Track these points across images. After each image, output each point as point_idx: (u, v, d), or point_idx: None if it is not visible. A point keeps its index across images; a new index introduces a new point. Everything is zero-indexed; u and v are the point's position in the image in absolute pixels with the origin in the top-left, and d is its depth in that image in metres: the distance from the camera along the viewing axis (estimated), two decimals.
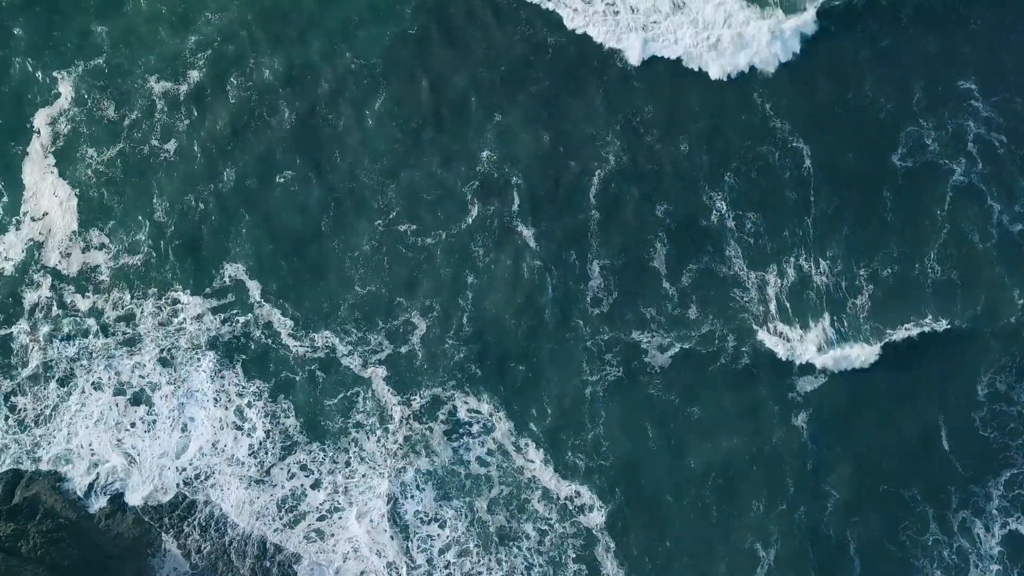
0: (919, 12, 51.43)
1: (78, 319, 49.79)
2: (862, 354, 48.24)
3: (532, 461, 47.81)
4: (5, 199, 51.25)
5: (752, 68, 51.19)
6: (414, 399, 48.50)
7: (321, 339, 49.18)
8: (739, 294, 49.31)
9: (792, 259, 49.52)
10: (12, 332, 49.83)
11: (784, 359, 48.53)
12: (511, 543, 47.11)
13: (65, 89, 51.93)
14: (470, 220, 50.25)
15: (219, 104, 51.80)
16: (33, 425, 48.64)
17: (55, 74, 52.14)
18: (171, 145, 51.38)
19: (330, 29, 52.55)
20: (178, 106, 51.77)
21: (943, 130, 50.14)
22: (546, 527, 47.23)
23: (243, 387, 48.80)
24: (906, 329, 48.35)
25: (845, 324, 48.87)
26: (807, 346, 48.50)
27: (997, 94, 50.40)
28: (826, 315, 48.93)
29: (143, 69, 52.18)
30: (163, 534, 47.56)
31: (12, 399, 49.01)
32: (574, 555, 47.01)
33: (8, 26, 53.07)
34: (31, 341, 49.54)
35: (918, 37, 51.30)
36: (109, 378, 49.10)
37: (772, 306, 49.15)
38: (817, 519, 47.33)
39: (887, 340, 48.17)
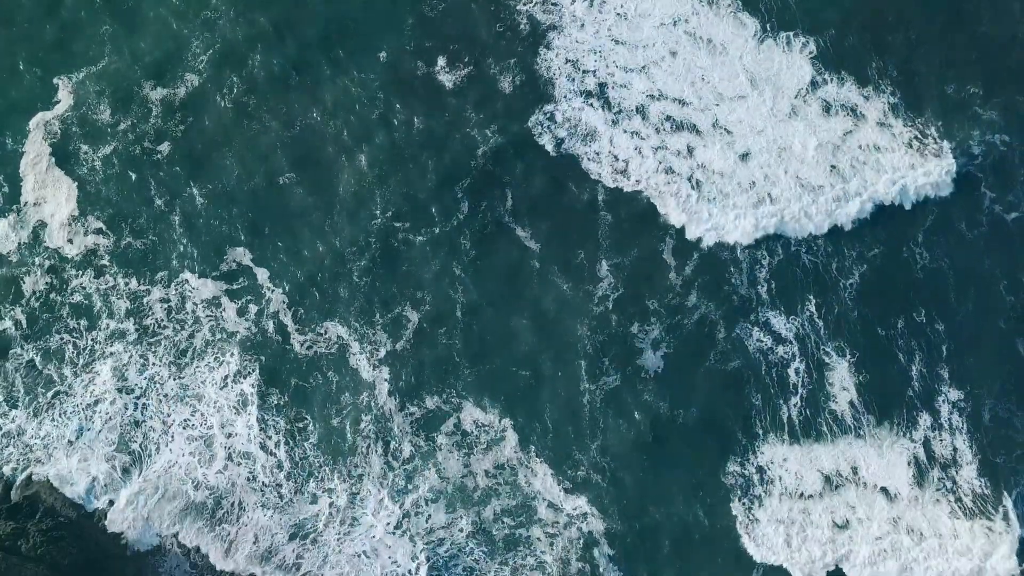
0: None
1: (84, 310, 49.90)
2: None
3: (534, 471, 47.91)
4: (5, 189, 51.35)
5: None
6: (419, 410, 48.61)
7: (325, 341, 49.34)
8: (733, 276, 49.63)
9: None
10: (13, 325, 49.85)
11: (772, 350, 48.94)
12: (516, 548, 47.22)
13: (64, 95, 52.13)
14: (461, 217, 50.39)
15: (217, 106, 52.04)
16: (35, 423, 48.63)
17: (56, 80, 52.32)
18: (164, 146, 51.60)
19: (330, 34, 52.86)
20: (174, 109, 52.02)
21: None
22: (549, 533, 47.25)
23: (247, 389, 48.92)
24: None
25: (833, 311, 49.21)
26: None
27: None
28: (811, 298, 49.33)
29: (142, 73, 52.40)
30: (163, 533, 47.44)
31: (14, 395, 49.01)
32: (575, 555, 47.03)
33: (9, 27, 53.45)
34: (32, 338, 49.65)
35: None
36: (114, 374, 49.20)
37: (762, 290, 49.40)
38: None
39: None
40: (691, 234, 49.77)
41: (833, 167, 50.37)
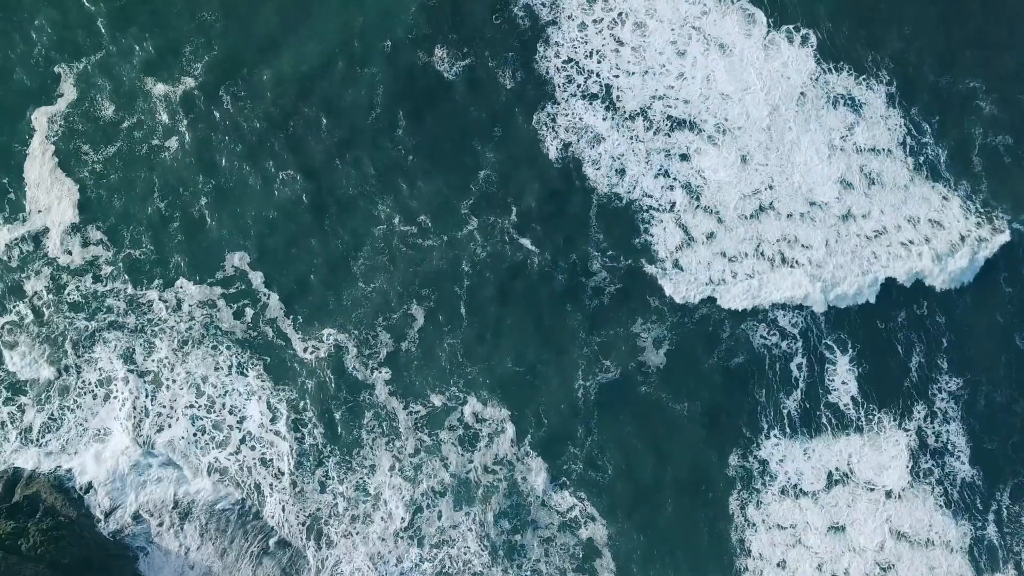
0: None
1: (81, 308, 49.68)
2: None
3: (534, 468, 47.98)
4: (11, 195, 51.05)
5: None
6: (421, 406, 48.64)
7: (327, 340, 49.33)
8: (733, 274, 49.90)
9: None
10: (15, 324, 49.65)
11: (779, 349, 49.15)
12: (517, 553, 47.25)
13: (67, 88, 52.00)
14: (471, 222, 50.56)
15: (217, 106, 52.00)
16: (37, 422, 48.45)
17: (56, 69, 51.95)
18: (165, 148, 51.47)
19: (332, 33, 52.88)
20: (174, 108, 51.91)
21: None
22: (549, 536, 47.26)
23: (253, 388, 48.88)
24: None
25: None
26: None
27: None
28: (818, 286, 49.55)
29: (144, 69, 52.28)
30: (163, 532, 47.27)
31: (16, 394, 48.79)
32: (574, 565, 47.06)
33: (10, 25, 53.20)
34: (35, 334, 49.46)
35: None
36: (115, 371, 49.04)
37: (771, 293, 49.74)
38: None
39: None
40: (675, 295, 49.79)
41: (845, 183, 50.67)
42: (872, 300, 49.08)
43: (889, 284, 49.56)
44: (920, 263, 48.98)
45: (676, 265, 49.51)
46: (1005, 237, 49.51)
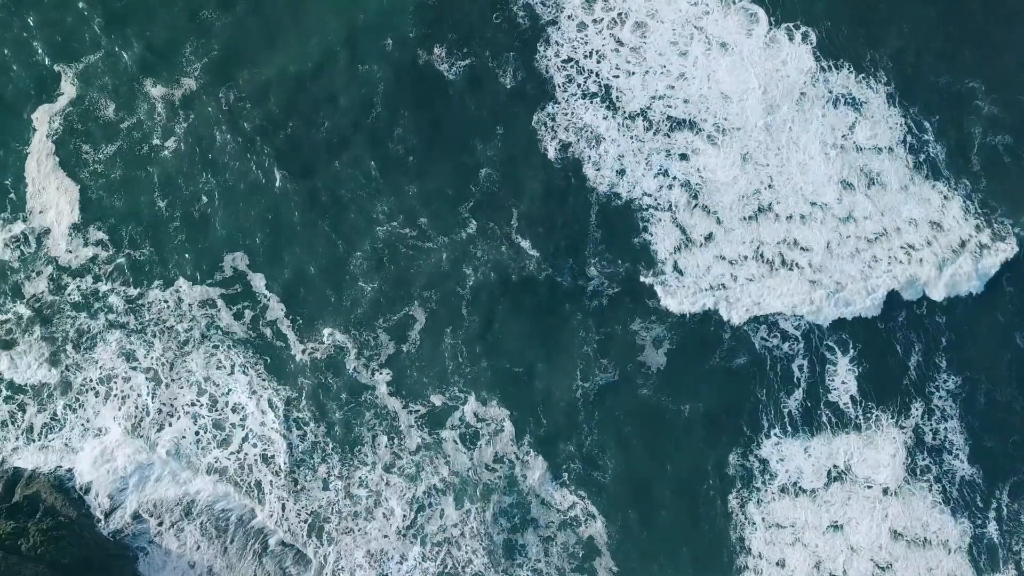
0: None
1: (82, 307, 49.55)
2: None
3: (533, 468, 47.96)
4: (11, 195, 50.95)
5: None
6: (421, 405, 48.56)
7: (328, 340, 49.26)
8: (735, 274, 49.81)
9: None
10: (15, 323, 49.52)
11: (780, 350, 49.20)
12: (517, 552, 47.23)
13: (67, 87, 51.88)
14: (471, 222, 50.49)
15: (220, 105, 51.91)
16: (38, 421, 48.36)
17: (56, 68, 51.79)
18: (165, 149, 51.32)
19: (332, 32, 52.79)
20: (174, 109, 51.77)
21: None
22: (549, 535, 47.26)
23: (254, 387, 48.79)
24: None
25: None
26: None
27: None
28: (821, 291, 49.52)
29: (144, 69, 52.18)
30: (163, 532, 47.21)
31: (17, 394, 48.67)
32: (574, 564, 47.04)
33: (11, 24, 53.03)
34: (36, 334, 49.36)
35: None
36: (115, 370, 48.93)
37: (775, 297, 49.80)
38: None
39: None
40: (673, 306, 49.65)
41: (845, 183, 50.60)
42: (876, 314, 49.15)
43: (892, 293, 49.65)
44: (923, 272, 48.99)
45: (675, 268, 49.50)
46: (1008, 247, 49.58)
